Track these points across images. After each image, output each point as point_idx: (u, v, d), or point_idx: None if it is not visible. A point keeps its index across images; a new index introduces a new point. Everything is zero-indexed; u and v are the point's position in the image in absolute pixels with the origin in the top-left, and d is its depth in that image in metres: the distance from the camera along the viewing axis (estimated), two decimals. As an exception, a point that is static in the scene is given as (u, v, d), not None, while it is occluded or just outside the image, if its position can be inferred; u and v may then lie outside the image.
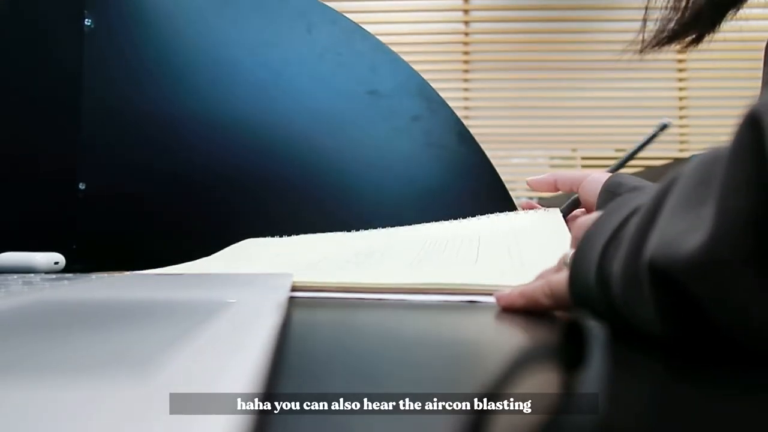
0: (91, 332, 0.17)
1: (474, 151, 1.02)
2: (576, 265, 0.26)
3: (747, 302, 0.16)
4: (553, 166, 2.32)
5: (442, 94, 1.00)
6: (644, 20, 0.40)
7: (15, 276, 0.46)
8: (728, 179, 0.16)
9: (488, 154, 1.04)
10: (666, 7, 0.39)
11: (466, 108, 2.25)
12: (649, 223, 0.20)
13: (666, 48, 0.40)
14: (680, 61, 2.25)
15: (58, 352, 0.14)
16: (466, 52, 2.26)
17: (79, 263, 0.84)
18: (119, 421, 0.08)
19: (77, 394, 0.10)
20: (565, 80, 2.26)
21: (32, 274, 0.50)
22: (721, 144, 0.18)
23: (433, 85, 1.00)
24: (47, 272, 0.60)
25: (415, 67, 1.00)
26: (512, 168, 2.30)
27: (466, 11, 2.30)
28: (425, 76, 1.00)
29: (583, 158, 2.28)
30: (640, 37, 0.41)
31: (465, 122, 1.05)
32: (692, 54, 2.23)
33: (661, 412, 0.13)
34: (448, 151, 0.99)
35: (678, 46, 0.40)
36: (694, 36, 0.39)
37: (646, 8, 0.40)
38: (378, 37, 1.00)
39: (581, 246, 0.26)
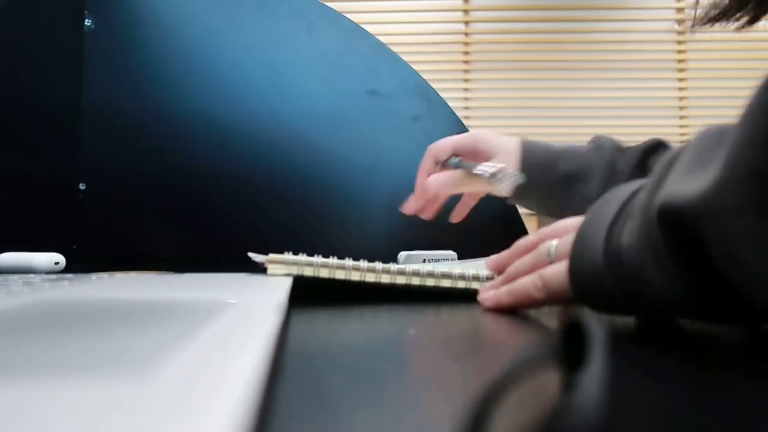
0: (91, 332, 0.17)
1: (474, 151, 1.02)
2: (577, 252, 0.26)
3: (742, 246, 0.18)
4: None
5: (442, 94, 1.00)
6: None
7: (15, 276, 0.46)
8: (742, 133, 0.17)
9: (488, 154, 1.04)
10: None
11: (466, 108, 2.25)
12: (658, 187, 0.21)
13: (718, 26, 0.39)
14: (680, 61, 2.25)
15: (58, 352, 0.14)
16: (466, 52, 2.26)
17: (79, 263, 0.84)
18: (119, 421, 0.08)
19: (77, 394, 0.10)
20: (565, 80, 2.26)
21: (32, 275, 0.50)
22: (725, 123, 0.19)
23: (433, 85, 1.00)
24: (47, 272, 0.60)
25: (415, 67, 1.00)
26: (512, 168, 2.30)
27: (466, 11, 2.30)
28: (425, 76, 1.00)
29: (583, 158, 2.28)
30: (693, 14, 0.40)
31: (465, 122, 1.05)
32: (692, 54, 2.23)
33: (661, 412, 0.13)
34: (448, 151, 0.99)
35: (732, 27, 0.39)
36: (748, 17, 0.38)
37: None
38: (378, 37, 1.00)
39: (581, 235, 0.26)
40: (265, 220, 0.94)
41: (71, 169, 0.90)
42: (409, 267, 0.40)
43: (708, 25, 0.39)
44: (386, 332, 0.26)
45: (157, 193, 0.93)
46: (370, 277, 0.39)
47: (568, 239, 0.28)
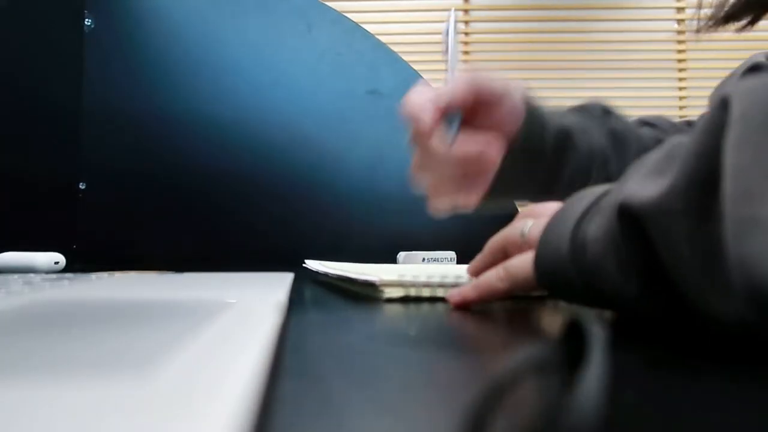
0: (91, 332, 0.17)
1: (474, 151, 1.02)
2: (545, 241, 0.28)
3: (681, 246, 0.19)
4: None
5: (443, 94, 1.00)
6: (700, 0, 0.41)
7: (15, 276, 0.46)
8: (695, 146, 0.19)
9: (488, 154, 1.04)
10: None
11: (466, 108, 2.25)
12: (622, 185, 0.23)
13: (722, 28, 0.40)
14: (680, 61, 2.25)
15: (58, 352, 0.14)
16: (466, 52, 2.26)
17: (79, 263, 0.84)
18: (119, 420, 0.08)
19: (77, 394, 0.10)
20: (565, 80, 2.26)
21: (32, 274, 0.50)
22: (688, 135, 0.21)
23: (434, 85, 1.00)
24: (47, 272, 0.60)
25: (415, 67, 1.00)
26: (512, 168, 2.30)
27: (466, 11, 2.30)
28: (425, 76, 1.00)
29: (583, 158, 2.28)
30: (698, 16, 0.41)
31: (465, 122, 1.05)
32: (692, 54, 2.23)
33: (661, 412, 0.13)
34: (448, 151, 0.99)
35: (733, 27, 0.40)
36: (750, 17, 0.39)
37: None
38: (378, 37, 1.00)
39: (550, 225, 0.28)
40: (265, 220, 0.94)
41: (71, 169, 0.90)
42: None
43: (713, 28, 0.40)
44: (386, 332, 0.26)
45: (157, 193, 0.93)
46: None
47: (542, 223, 0.29)
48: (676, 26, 2.26)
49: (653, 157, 0.23)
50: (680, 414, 0.13)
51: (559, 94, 2.27)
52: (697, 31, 0.41)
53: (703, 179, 0.19)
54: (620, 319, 0.27)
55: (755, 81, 0.19)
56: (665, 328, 0.24)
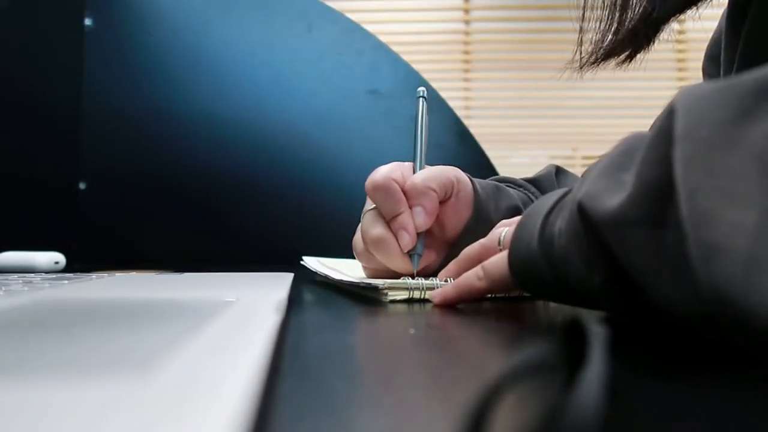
0: (91, 332, 0.17)
1: (474, 151, 1.02)
2: (516, 238, 0.28)
3: (638, 255, 0.20)
4: (553, 165, 2.31)
5: (442, 94, 1.00)
6: (580, 38, 0.42)
7: (15, 276, 0.46)
8: (648, 154, 0.20)
9: (488, 154, 1.04)
10: (600, 26, 0.40)
11: (466, 108, 2.25)
12: (582, 182, 0.24)
13: (603, 65, 0.42)
14: (680, 60, 2.25)
15: (58, 351, 0.14)
16: (466, 52, 2.26)
17: (79, 263, 0.84)
18: (119, 420, 0.08)
19: (77, 394, 0.10)
20: (565, 79, 2.26)
21: (32, 274, 0.50)
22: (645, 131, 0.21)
23: (433, 85, 1.00)
24: (47, 272, 0.60)
25: (415, 67, 1.00)
26: (512, 168, 2.30)
27: (466, 11, 2.30)
28: (425, 76, 1.00)
29: (583, 158, 2.28)
30: (577, 56, 0.42)
31: (465, 122, 1.05)
32: (692, 54, 2.23)
33: (661, 413, 0.13)
34: (448, 150, 0.99)
35: (614, 63, 0.41)
36: (628, 53, 0.40)
37: (581, 27, 0.41)
38: (378, 37, 1.00)
39: (521, 223, 0.29)
40: (265, 220, 0.94)
41: (71, 169, 0.90)
42: None
43: (595, 65, 0.42)
44: (386, 332, 0.26)
45: (157, 193, 0.93)
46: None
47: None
48: (676, 26, 2.26)
49: (613, 152, 0.23)
50: (680, 414, 0.13)
51: (559, 93, 2.27)
52: (580, 68, 0.42)
53: (657, 186, 0.19)
54: (619, 319, 0.27)
55: (701, 89, 0.19)
56: (664, 328, 0.24)
